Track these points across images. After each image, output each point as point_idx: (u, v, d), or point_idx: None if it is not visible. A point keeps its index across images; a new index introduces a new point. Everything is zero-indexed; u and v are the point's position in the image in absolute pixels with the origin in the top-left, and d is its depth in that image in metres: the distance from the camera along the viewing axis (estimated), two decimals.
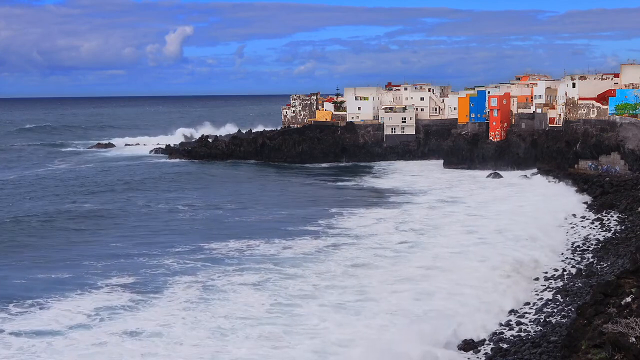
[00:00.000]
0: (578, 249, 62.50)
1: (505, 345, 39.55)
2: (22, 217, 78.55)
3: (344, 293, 49.20)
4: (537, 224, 71.54)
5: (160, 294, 49.43)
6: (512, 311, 45.78)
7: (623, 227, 67.89)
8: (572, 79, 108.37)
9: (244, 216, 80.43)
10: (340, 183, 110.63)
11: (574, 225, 72.64)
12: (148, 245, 64.80)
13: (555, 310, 45.24)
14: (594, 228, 70.64)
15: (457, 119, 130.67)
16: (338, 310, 45.60)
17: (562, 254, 60.90)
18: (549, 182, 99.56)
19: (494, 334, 41.75)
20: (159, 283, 52.19)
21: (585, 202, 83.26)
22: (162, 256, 60.47)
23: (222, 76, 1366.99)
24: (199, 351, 39.22)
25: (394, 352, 37.01)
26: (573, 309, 42.72)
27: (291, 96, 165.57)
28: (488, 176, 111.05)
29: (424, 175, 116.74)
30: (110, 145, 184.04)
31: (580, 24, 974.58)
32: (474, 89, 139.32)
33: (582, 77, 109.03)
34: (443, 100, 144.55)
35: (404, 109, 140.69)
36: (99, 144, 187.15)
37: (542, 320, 43.26)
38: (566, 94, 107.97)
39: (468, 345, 39.86)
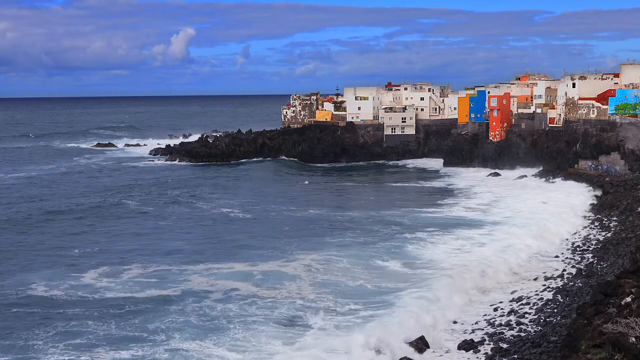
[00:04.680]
0: (578, 249, 62.48)
1: (505, 345, 39.51)
2: (5, 220, 77.70)
3: None
4: (537, 224, 71.59)
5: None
6: (511, 311, 45.82)
7: (623, 227, 67.84)
8: (572, 79, 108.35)
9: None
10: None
11: (574, 225, 72.51)
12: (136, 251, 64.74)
13: (555, 310, 45.20)
14: (594, 228, 70.62)
15: (457, 119, 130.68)
16: None
17: (562, 254, 60.87)
18: (549, 182, 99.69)
19: (494, 334, 41.73)
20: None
21: (586, 202, 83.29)
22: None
23: (224, 76, 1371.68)
24: None
25: None
26: (573, 309, 42.67)
27: (291, 96, 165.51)
28: (488, 175, 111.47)
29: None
30: (111, 145, 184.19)
31: (576, 24, 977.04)
32: (474, 89, 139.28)
33: (582, 77, 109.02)
34: (443, 100, 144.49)
35: (404, 109, 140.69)
36: (98, 144, 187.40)
37: (542, 320, 43.20)
38: (566, 94, 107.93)
39: (468, 345, 39.82)
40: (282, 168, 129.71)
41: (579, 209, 79.56)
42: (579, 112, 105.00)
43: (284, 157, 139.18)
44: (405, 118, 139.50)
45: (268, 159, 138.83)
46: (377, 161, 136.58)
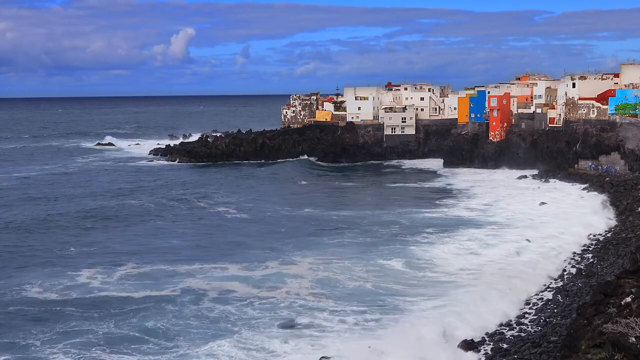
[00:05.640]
0: (578, 249, 62.34)
1: (505, 345, 39.45)
2: (4, 220, 76.75)
3: None
4: (537, 224, 71.65)
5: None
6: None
7: (623, 227, 67.76)
8: (572, 79, 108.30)
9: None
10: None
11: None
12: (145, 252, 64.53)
13: (555, 310, 45.15)
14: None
15: (457, 119, 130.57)
16: None
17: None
18: (549, 182, 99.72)
19: (494, 334, 41.64)
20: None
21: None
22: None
23: (224, 76, 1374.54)
24: None
25: None
26: (573, 309, 42.62)
27: (291, 96, 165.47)
28: (488, 175, 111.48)
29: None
30: (110, 145, 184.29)
31: (576, 24, 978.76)
32: (474, 89, 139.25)
33: (582, 77, 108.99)
34: (443, 100, 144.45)
35: (404, 109, 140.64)
36: (98, 143, 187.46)
37: (542, 320, 43.16)
38: (566, 94, 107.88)
39: (468, 345, 39.73)
40: (283, 168, 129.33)
41: (579, 209, 79.43)
42: (579, 112, 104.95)
43: (301, 158, 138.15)
44: (405, 118, 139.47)
45: (270, 161, 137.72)
46: (377, 161, 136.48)
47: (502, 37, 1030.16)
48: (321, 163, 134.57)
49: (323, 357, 37.39)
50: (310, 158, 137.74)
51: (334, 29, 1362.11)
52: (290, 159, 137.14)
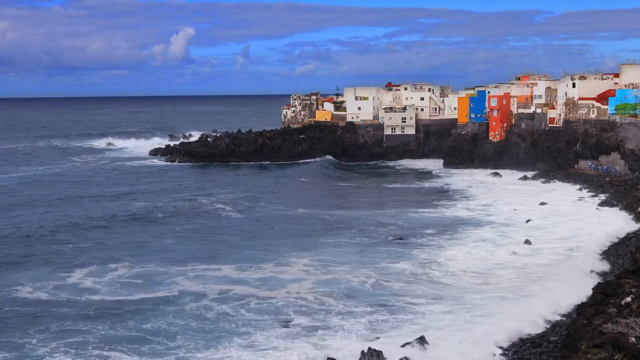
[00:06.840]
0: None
1: (505, 345, 39.31)
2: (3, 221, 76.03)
3: None
4: (537, 224, 71.62)
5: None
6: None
7: (624, 227, 67.54)
8: (572, 79, 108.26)
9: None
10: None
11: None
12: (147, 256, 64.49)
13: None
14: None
15: (457, 119, 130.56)
16: None
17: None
18: (549, 182, 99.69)
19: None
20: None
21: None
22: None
23: (224, 76, 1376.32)
24: None
25: None
26: (573, 309, 42.48)
27: (291, 96, 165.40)
28: (488, 175, 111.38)
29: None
30: (110, 145, 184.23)
31: (576, 24, 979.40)
32: (474, 89, 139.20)
33: (582, 77, 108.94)
34: (443, 100, 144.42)
35: (404, 109, 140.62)
36: (98, 143, 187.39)
37: (541, 321, 43.02)
38: (566, 94, 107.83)
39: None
40: (288, 169, 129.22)
41: (579, 209, 79.44)
42: (579, 112, 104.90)
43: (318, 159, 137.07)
44: (405, 118, 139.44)
45: (267, 162, 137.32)
46: (377, 161, 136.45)
47: (502, 37, 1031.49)
48: (338, 161, 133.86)
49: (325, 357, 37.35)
50: (328, 156, 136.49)
51: (334, 29, 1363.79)
52: (298, 161, 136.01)
